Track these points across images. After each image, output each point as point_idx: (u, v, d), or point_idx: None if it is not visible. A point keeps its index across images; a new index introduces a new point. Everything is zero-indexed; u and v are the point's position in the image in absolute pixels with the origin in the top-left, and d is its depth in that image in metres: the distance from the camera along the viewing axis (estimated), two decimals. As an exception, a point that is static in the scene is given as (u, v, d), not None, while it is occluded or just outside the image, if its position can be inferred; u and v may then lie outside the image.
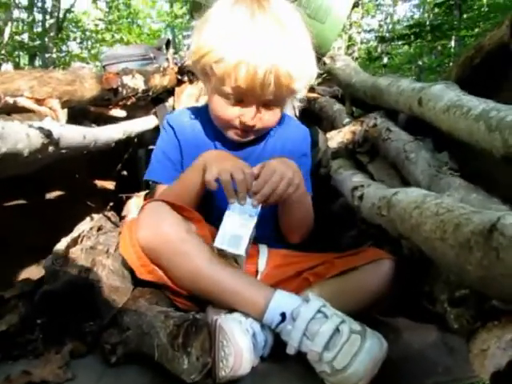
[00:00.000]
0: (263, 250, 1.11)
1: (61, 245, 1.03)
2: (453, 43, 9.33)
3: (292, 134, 1.24)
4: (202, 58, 1.03)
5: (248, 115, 1.05)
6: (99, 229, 1.20)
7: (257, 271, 1.07)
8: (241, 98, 1.03)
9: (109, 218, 1.34)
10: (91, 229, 1.17)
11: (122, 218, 1.49)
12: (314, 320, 0.80)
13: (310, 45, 1.05)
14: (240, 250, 0.92)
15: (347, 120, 1.74)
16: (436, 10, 9.37)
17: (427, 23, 9.14)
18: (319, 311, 0.81)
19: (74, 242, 1.06)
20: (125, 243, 0.95)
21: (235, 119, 1.07)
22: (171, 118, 1.22)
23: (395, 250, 1.05)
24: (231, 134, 1.11)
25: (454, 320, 0.75)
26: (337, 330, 0.78)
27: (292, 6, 1.07)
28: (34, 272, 1.19)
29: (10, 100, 1.11)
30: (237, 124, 1.07)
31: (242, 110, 1.05)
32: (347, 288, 0.97)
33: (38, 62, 11.09)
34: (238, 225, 0.95)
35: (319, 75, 2.57)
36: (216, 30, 1.01)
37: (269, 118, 1.08)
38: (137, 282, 0.99)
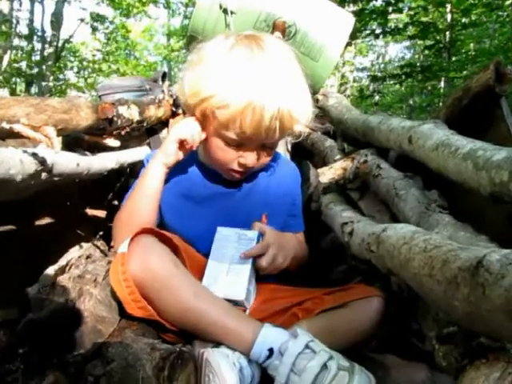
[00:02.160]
0: None
1: (48, 272, 1.01)
2: (442, 84, 9.59)
3: (285, 173, 1.26)
4: (202, 102, 1.01)
5: (249, 158, 1.06)
6: (88, 257, 1.19)
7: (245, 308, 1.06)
8: (243, 142, 1.03)
9: (98, 247, 1.33)
10: (80, 257, 1.16)
11: (111, 247, 1.48)
12: (302, 355, 0.79)
13: (306, 84, 1.06)
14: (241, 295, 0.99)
15: (338, 156, 1.76)
16: (426, 52, 9.66)
17: (418, 64, 9.40)
18: (307, 346, 0.80)
19: (62, 270, 1.05)
20: (116, 277, 0.93)
21: (234, 161, 1.07)
22: (150, 157, 1.21)
23: (385, 286, 1.05)
24: (227, 174, 1.12)
25: (442, 357, 0.74)
26: (324, 366, 0.77)
27: (287, 46, 1.08)
28: (18, 300, 1.17)
29: (6, 126, 1.11)
30: (235, 166, 1.08)
31: (242, 153, 1.05)
32: (336, 325, 0.97)
33: (34, 90, 11.18)
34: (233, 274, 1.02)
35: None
36: (217, 74, 0.99)
37: (266, 157, 1.10)
38: (124, 312, 0.98)
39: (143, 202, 1.09)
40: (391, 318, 0.99)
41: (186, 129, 1.06)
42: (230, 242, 1.06)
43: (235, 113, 0.97)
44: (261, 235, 1.07)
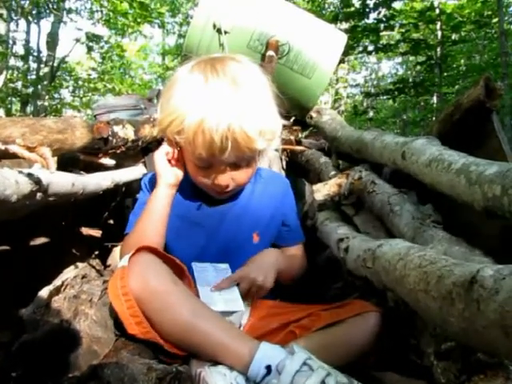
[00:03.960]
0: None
1: (43, 293, 1.01)
2: (435, 99, 9.69)
3: (274, 187, 1.26)
4: (165, 129, 1.05)
5: (221, 179, 1.06)
6: (83, 277, 1.18)
7: (239, 324, 1.05)
8: (210, 164, 1.05)
9: (93, 267, 1.32)
10: (75, 277, 1.15)
11: (106, 266, 1.48)
12: (300, 373, 0.78)
13: (268, 102, 1.05)
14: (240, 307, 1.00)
15: (333, 173, 1.78)
16: (418, 67, 9.78)
17: (410, 80, 9.52)
18: (305, 364, 0.80)
19: (57, 291, 1.05)
20: (114, 292, 0.92)
21: (209, 182, 1.09)
22: (147, 180, 1.24)
23: (381, 302, 1.05)
24: (213, 193, 1.13)
25: (440, 374, 0.74)
26: (323, 383, 0.76)
27: (253, 67, 1.08)
28: (13, 321, 1.16)
29: (2, 147, 1.12)
30: (211, 186, 1.09)
31: (213, 174, 1.06)
32: (333, 341, 0.96)
33: (29, 109, 11.20)
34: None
35: (306, 128, 2.64)
36: (174, 101, 1.02)
37: (241, 176, 1.10)
38: (120, 332, 0.97)
39: (150, 227, 1.09)
40: (389, 333, 0.98)
41: (165, 144, 1.11)
42: (209, 272, 1.09)
43: (189, 137, 0.99)
44: None
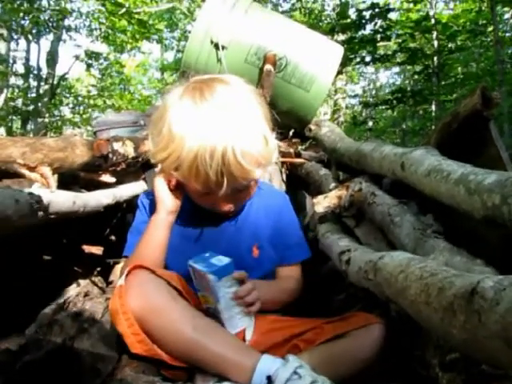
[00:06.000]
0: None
1: (46, 311, 1.01)
2: (433, 107, 9.71)
3: (272, 202, 1.26)
4: (161, 163, 1.05)
5: (221, 205, 1.07)
6: (86, 295, 1.18)
7: (244, 340, 1.05)
8: (209, 192, 1.04)
9: (96, 284, 1.32)
10: (78, 295, 1.16)
11: (109, 283, 1.48)
12: (290, 382, 0.80)
13: (260, 127, 1.03)
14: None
15: (333, 185, 1.77)
16: (416, 77, 9.83)
17: (408, 89, 9.56)
18: (295, 372, 0.81)
19: (60, 308, 1.05)
20: (115, 311, 0.92)
21: (211, 206, 1.10)
22: (144, 199, 1.23)
23: (384, 314, 1.05)
24: (216, 211, 1.12)
25: (446, 386, 0.74)
26: None
27: (243, 89, 1.06)
28: (15, 340, 1.16)
29: (2, 166, 1.13)
30: (213, 208, 1.10)
31: (213, 200, 1.06)
32: (338, 354, 0.96)
33: (30, 126, 11.27)
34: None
35: (305, 141, 2.65)
36: (165, 135, 1.00)
37: (243, 196, 1.11)
38: (123, 350, 0.97)
39: (150, 254, 1.08)
40: (393, 345, 0.98)
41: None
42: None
43: (184, 173, 0.99)
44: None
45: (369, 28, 7.81)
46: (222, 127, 0.96)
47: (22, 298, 1.25)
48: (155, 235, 1.10)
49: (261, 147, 1.02)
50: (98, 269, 1.64)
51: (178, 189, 1.10)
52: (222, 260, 1.00)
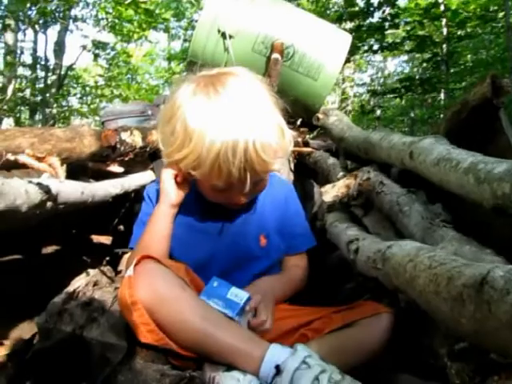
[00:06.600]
0: None
1: (55, 301, 1.02)
2: (442, 96, 9.60)
3: (277, 192, 1.26)
4: (177, 163, 1.04)
5: (236, 198, 1.07)
6: (95, 284, 1.19)
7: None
8: (226, 188, 1.04)
9: (105, 273, 1.33)
10: (87, 284, 1.16)
11: (118, 272, 1.48)
12: (299, 371, 0.80)
13: (275, 118, 1.04)
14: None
15: (341, 174, 1.77)
16: (424, 65, 9.72)
17: (417, 77, 9.45)
18: (304, 362, 0.81)
19: (70, 298, 1.06)
20: (124, 302, 0.92)
21: (224, 200, 1.10)
22: (150, 191, 1.23)
23: (393, 303, 1.05)
24: (226, 205, 1.13)
25: (455, 375, 0.73)
26: (316, 380, 0.77)
27: (255, 80, 1.06)
28: (26, 329, 1.17)
29: (11, 157, 1.13)
30: (227, 202, 1.10)
31: (229, 194, 1.06)
32: (346, 344, 0.96)
33: (38, 117, 11.31)
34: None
35: (313, 130, 2.64)
36: (180, 134, 0.99)
37: (258, 189, 1.12)
38: (133, 339, 0.98)
39: (153, 245, 1.09)
40: (402, 334, 0.98)
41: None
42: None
43: (205, 171, 0.98)
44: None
45: (377, 16, 7.73)
46: (241, 120, 0.96)
47: (32, 288, 1.27)
48: (159, 227, 1.11)
49: (278, 139, 1.03)
50: (107, 258, 1.65)
51: (184, 182, 1.11)
52: (238, 295, 0.99)
